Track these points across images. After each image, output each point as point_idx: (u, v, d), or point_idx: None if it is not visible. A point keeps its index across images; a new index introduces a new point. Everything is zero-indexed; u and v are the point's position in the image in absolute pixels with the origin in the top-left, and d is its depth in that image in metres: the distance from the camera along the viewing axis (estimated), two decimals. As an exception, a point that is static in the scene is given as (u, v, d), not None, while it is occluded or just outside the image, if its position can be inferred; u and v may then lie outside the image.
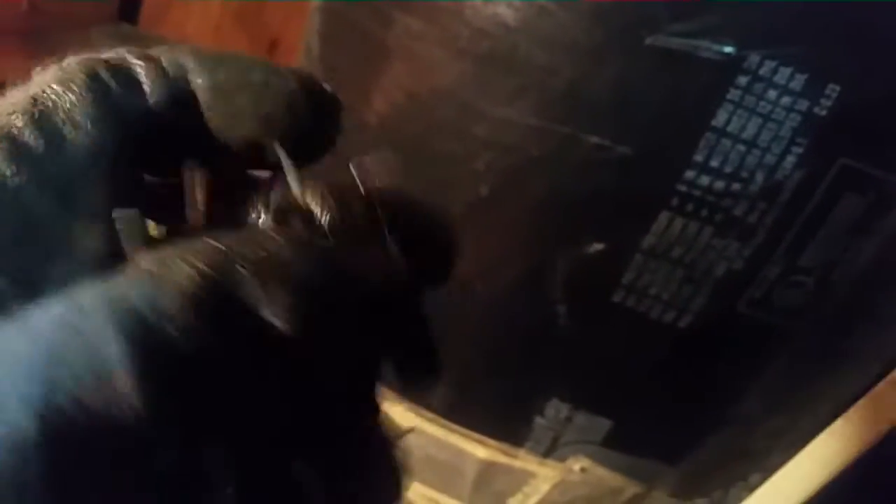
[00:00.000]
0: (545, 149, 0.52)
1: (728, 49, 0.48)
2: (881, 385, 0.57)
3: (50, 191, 0.22)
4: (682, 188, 0.51)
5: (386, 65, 0.57)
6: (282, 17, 1.07)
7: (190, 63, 0.24)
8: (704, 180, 0.51)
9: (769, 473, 0.63)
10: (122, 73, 0.24)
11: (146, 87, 0.24)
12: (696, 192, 0.51)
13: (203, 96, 0.24)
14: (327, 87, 0.27)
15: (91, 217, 0.23)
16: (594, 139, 0.51)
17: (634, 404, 0.59)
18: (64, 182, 0.23)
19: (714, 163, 0.50)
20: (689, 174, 0.51)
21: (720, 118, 0.49)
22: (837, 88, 0.48)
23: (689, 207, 0.52)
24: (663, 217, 0.52)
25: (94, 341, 0.17)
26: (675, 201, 0.51)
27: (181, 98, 0.24)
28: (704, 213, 0.52)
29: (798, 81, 0.48)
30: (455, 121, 0.54)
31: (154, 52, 0.25)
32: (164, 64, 0.24)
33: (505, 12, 0.51)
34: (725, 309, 0.55)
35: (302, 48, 0.67)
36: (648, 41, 0.49)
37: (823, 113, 0.49)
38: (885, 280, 0.55)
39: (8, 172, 0.22)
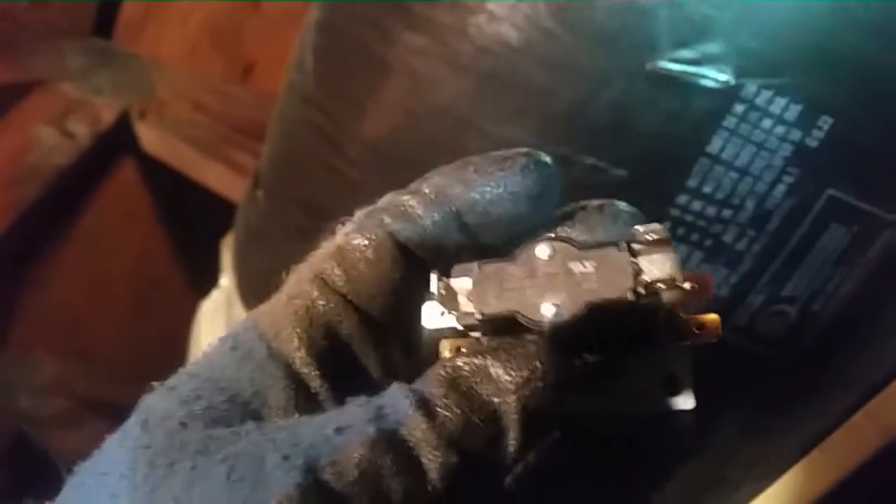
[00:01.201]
0: (542, 168, 0.53)
1: (726, 77, 0.49)
2: (857, 416, 0.58)
3: (350, 315, 0.27)
4: (675, 212, 0.52)
5: (385, 81, 0.57)
6: (258, 41, 1.07)
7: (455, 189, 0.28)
8: (696, 205, 0.52)
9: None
10: (401, 213, 0.28)
11: (422, 219, 0.28)
12: (688, 217, 0.52)
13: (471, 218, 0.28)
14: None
15: (392, 335, 0.27)
16: (591, 160, 0.52)
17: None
18: (360, 308, 0.27)
19: (707, 188, 0.52)
20: (682, 199, 0.52)
21: (715, 145, 0.51)
22: (830, 120, 0.50)
23: (681, 231, 0.53)
24: (654, 241, 0.53)
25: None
26: (666, 225, 0.52)
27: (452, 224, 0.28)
28: (695, 237, 0.53)
29: (792, 112, 0.50)
30: (453, 138, 0.55)
31: (419, 186, 0.28)
32: (431, 194, 0.28)
33: (508, 32, 0.52)
34: (709, 336, 0.56)
35: (292, 65, 0.67)
36: (649, 67, 0.50)
37: (815, 144, 0.50)
38: (864, 312, 0.56)
39: (322, 302, 0.26)
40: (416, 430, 0.22)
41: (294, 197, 0.67)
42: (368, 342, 0.27)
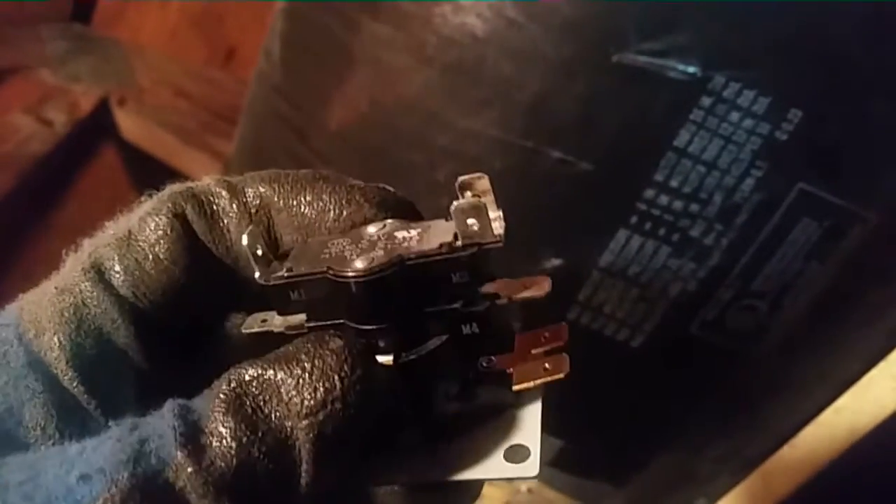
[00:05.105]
0: (508, 162, 0.52)
1: (693, 69, 0.48)
2: (827, 413, 0.58)
3: (127, 321, 0.23)
4: (642, 207, 0.51)
5: (350, 71, 0.56)
6: (240, 25, 1.06)
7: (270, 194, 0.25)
8: (663, 200, 0.51)
9: (715, 499, 0.63)
10: (207, 210, 0.24)
11: (228, 228, 0.24)
12: (655, 212, 0.51)
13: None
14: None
15: (168, 353, 0.24)
16: (557, 154, 0.51)
17: (585, 424, 0.58)
18: (142, 312, 0.23)
19: (674, 183, 0.51)
20: (649, 193, 0.51)
21: (682, 138, 0.50)
22: (799, 113, 0.49)
23: (648, 226, 0.52)
24: (621, 235, 0.52)
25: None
26: (633, 219, 0.52)
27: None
28: (662, 232, 0.52)
29: (761, 105, 0.49)
30: (418, 130, 0.54)
31: (235, 182, 0.25)
32: (248, 198, 0.25)
33: (474, 23, 0.51)
34: (678, 330, 0.55)
35: (261, 52, 0.66)
36: (615, 58, 0.49)
37: (784, 137, 0.49)
38: (836, 307, 0.55)
39: (94, 304, 0.23)
40: (182, 473, 0.19)
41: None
42: (149, 350, 0.23)
